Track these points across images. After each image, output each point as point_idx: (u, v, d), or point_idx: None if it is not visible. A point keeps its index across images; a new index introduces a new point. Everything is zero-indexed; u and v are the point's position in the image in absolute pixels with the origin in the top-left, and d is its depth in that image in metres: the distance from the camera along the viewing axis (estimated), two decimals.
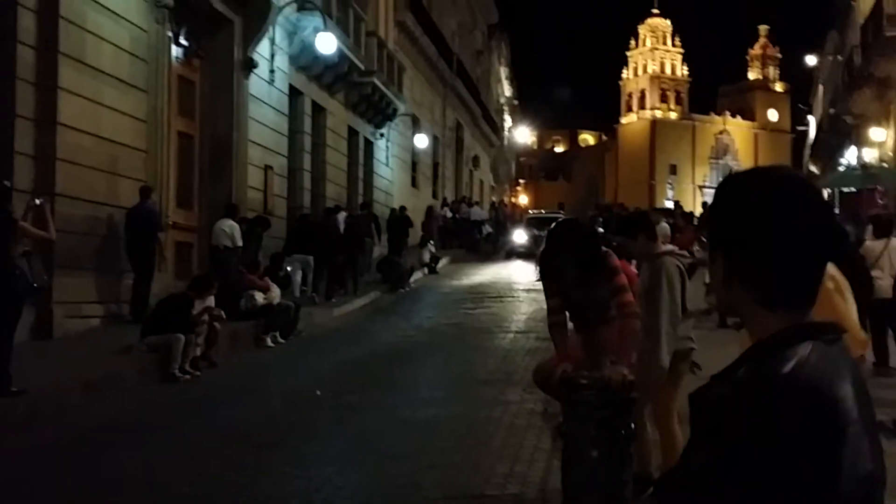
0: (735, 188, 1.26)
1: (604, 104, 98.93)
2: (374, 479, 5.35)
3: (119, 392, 8.14)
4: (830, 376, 1.13)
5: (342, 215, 18.01)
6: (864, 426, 1.12)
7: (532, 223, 27.93)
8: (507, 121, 55.43)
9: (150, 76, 12.12)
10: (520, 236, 26.86)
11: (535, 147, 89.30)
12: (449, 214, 29.08)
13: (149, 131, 12.14)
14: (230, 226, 12.63)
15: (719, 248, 1.26)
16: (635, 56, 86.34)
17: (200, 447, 6.22)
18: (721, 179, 1.34)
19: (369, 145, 23.85)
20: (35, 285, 7.46)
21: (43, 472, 5.63)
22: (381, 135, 24.38)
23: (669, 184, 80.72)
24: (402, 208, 22.48)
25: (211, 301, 9.95)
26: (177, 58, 13.47)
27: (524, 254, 24.40)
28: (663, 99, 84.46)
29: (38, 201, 8.00)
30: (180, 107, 13.68)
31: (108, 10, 11.08)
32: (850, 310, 4.02)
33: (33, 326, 9.66)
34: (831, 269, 3.52)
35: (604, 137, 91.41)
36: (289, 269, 15.17)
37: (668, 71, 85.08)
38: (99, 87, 10.85)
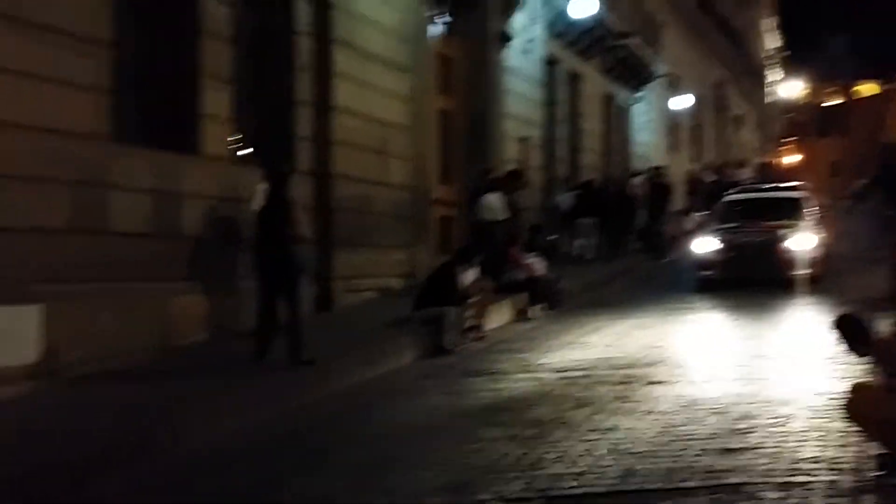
0: None
1: (888, 53, 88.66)
2: (667, 460, 5.00)
3: (395, 362, 8.41)
4: None
5: (638, 179, 19.96)
6: None
7: (734, 211, 14.34)
8: (775, 75, 51.60)
9: (413, 56, 12.43)
10: (705, 244, 13.38)
11: (807, 102, 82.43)
12: (712, 178, 27.53)
13: (413, 110, 12.47)
14: (495, 198, 12.67)
15: None
16: None
17: (477, 416, 6.19)
18: None
19: (626, 110, 23.11)
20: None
21: (329, 437, 5.85)
22: (639, 98, 23.54)
23: None
24: (660, 171, 21.56)
25: (476, 273, 10.02)
26: (437, 36, 13.71)
27: (713, 280, 12.90)
28: None
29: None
30: (441, 84, 13.94)
31: None
32: None
33: (316, 299, 10.27)
34: None
35: (888, 88, 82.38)
36: (550, 238, 15.24)
37: None
38: (369, 70, 11.27)
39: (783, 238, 12.91)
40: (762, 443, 5.24)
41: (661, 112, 26.07)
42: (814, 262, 12.74)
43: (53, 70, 6.93)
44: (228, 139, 9.24)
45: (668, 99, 26.37)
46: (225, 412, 6.19)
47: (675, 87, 26.76)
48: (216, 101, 8.91)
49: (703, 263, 13.17)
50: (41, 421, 5.68)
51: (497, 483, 4.69)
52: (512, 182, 13.54)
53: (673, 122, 28.05)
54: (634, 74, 22.42)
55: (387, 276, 11.78)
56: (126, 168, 7.77)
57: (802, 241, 12.91)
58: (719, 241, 13.12)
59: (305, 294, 9.88)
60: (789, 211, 13.85)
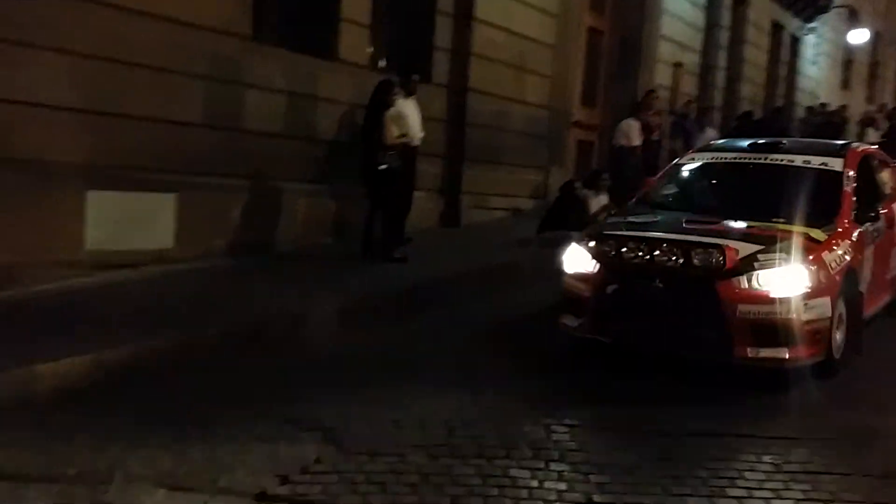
0: None
1: None
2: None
3: (515, 283, 8.34)
4: None
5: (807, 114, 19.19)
6: None
7: (689, 187, 7.06)
8: None
9: None
10: (573, 259, 5.87)
11: None
12: (885, 123, 25.43)
13: (558, 26, 12.06)
14: (628, 124, 12.21)
15: None
16: None
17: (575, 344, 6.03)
18: None
19: (795, 42, 21.54)
20: (383, 166, 8.04)
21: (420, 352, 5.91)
22: (811, 30, 21.85)
23: None
24: (823, 106, 20.09)
25: (605, 199, 9.75)
26: None
27: (581, 342, 5.84)
28: None
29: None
30: (592, 1, 13.39)
31: None
32: None
33: (442, 214, 10.32)
34: None
35: None
36: None
37: None
38: None
39: (744, 266, 5.32)
40: None
41: (835, 46, 24.12)
42: (812, 332, 5.28)
43: None
44: (366, 46, 9.26)
45: (844, 32, 24.32)
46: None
47: (853, 20, 24.62)
48: (356, 6, 8.91)
49: (567, 300, 5.91)
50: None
51: (566, 409, 4.62)
52: (645, 104, 12.94)
53: (847, 58, 25.93)
54: (809, 3, 20.75)
55: (517, 196, 11.66)
56: (263, 68, 7.95)
57: (791, 278, 5.28)
58: (591, 257, 5.74)
59: (428, 206, 9.99)
60: (805, 201, 6.02)
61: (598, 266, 5.61)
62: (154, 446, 3.91)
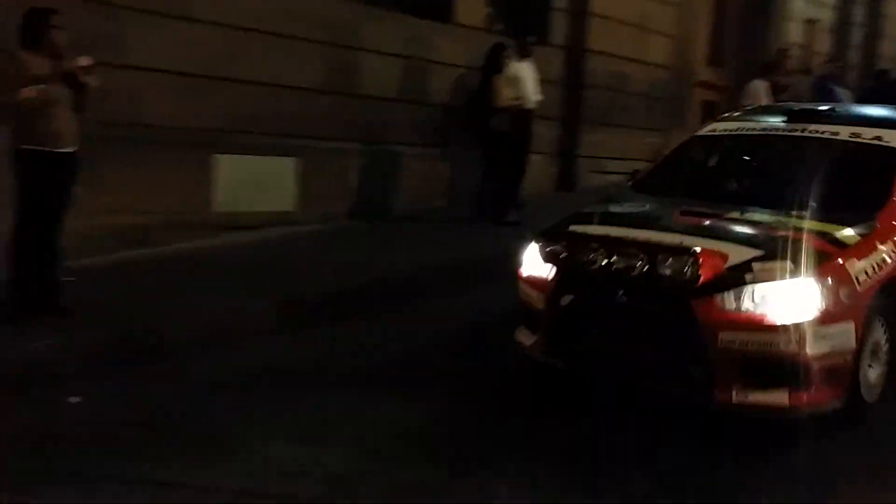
0: None
1: None
2: None
3: None
4: None
5: None
6: None
7: (701, 168, 5.73)
8: None
9: None
10: (530, 260, 4.55)
11: None
12: None
13: None
14: (756, 85, 11.65)
15: None
16: None
17: None
18: None
19: None
20: (494, 129, 8.17)
21: None
22: None
23: None
24: None
25: None
26: None
27: (535, 365, 4.56)
28: None
29: None
30: None
31: None
32: None
33: (558, 177, 10.21)
34: None
35: None
36: None
37: None
38: None
39: (732, 278, 3.94)
40: None
41: None
42: (826, 369, 3.89)
43: None
44: (482, 8, 9.19)
45: None
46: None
47: None
48: None
49: (522, 310, 4.65)
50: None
51: None
52: (775, 63, 12.28)
53: None
54: None
55: (635, 160, 11.33)
56: (379, 32, 8.02)
57: (797, 296, 3.88)
58: (545, 261, 4.47)
59: (543, 170, 9.90)
60: (842, 188, 4.67)
61: (553, 271, 4.36)
62: (275, 402, 4.09)
